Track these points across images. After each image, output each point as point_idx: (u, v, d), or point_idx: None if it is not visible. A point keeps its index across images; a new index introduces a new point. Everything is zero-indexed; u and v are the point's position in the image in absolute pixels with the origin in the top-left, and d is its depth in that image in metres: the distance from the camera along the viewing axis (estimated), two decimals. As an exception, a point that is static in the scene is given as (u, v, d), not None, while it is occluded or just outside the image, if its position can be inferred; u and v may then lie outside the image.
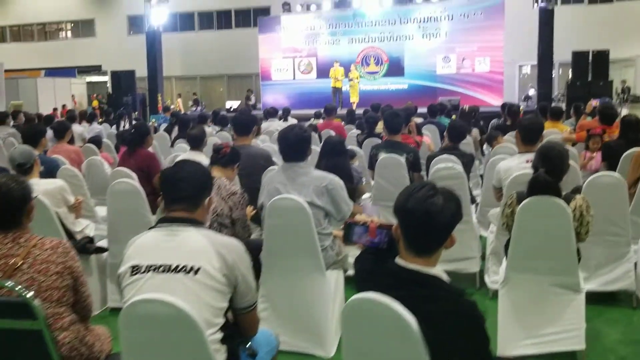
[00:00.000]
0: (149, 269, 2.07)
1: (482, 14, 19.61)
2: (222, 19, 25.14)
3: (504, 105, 7.65)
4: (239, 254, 2.19)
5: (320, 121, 10.11)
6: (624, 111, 16.88)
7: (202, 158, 4.74)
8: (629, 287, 4.12)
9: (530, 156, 4.21)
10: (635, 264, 4.22)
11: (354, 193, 4.54)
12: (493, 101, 19.01)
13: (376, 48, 21.10)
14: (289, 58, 21.92)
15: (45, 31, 27.83)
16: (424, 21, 20.40)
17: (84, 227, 4.34)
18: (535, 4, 17.69)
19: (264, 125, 9.66)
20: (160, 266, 2.06)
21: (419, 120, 9.34)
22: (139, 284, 2.06)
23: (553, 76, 20.29)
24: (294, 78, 21.97)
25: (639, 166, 4.80)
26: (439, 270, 1.88)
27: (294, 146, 3.52)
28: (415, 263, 1.84)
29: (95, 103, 21.33)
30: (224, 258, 2.10)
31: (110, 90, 19.13)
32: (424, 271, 1.83)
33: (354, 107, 17.72)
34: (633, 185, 4.89)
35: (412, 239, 1.84)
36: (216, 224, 3.57)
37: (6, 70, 26.27)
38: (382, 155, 5.31)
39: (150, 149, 6.02)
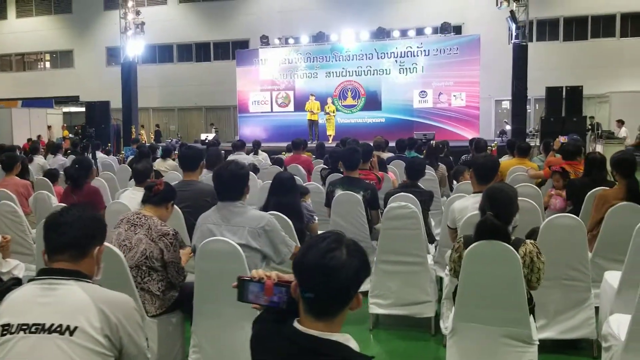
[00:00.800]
0: (20, 328, 1.81)
1: (458, 49, 19.79)
2: (201, 52, 25.11)
3: (471, 141, 7.52)
4: (125, 312, 1.92)
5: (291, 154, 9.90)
6: (598, 148, 16.95)
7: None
8: (589, 335, 3.91)
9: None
10: (597, 310, 4.03)
11: (303, 233, 4.31)
12: (469, 136, 18.96)
13: (353, 82, 21.14)
14: (267, 91, 21.86)
15: (24, 61, 27.58)
16: (400, 56, 20.52)
17: (12, 267, 4.05)
18: (511, 40, 17.83)
19: (230, 158, 9.44)
20: (32, 325, 1.81)
21: (388, 155, 9.19)
22: (7, 346, 1.80)
23: (529, 111, 20.45)
24: (272, 111, 21.88)
25: (601, 207, 4.64)
26: (343, 335, 1.62)
27: (228, 184, 3.30)
28: (314, 328, 1.59)
29: (65, 133, 20.97)
30: (106, 316, 1.85)
31: (84, 121, 18.81)
32: (324, 337, 1.58)
33: (331, 140, 17.70)
34: (596, 226, 4.73)
35: (310, 300, 1.60)
36: (145, 267, 3.32)
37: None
38: (339, 192, 5.11)
39: (103, 182, 5.76)
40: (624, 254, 4.30)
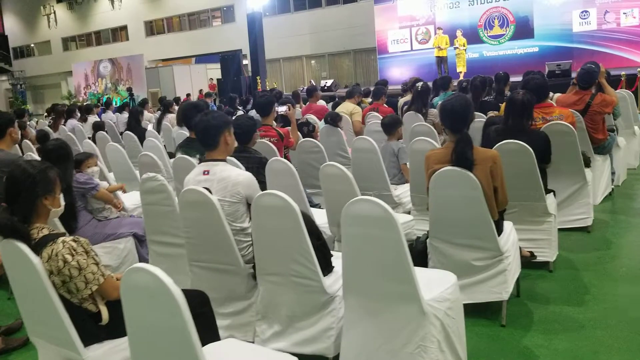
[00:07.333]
0: None
1: (630, -47, 16.23)
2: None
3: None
4: None
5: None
6: None
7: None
8: (325, 352, 2.92)
9: (210, 165, 3.23)
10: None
11: (72, 207, 3.89)
12: (643, 61, 15.76)
13: (500, 8, 18.72)
14: (406, 28, 20.51)
15: (198, 19, 29.59)
16: (556, -31, 17.52)
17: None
18: None
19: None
20: None
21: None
22: None
23: None
24: (412, 49, 20.53)
25: (426, 172, 3.40)
26: None
27: None
28: None
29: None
30: None
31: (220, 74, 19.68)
32: None
33: (462, 77, 16.01)
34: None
35: None
36: None
37: (164, 59, 28.87)
38: (178, 156, 4.55)
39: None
40: (463, 235, 3.25)
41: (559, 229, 4.34)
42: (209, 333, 2.77)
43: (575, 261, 4.17)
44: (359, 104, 7.84)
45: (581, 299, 3.54)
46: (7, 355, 3.53)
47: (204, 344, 2.65)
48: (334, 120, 6.12)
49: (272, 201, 2.81)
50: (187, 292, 2.80)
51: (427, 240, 3.49)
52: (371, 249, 2.54)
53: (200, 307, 2.78)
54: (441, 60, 17.06)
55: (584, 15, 17.31)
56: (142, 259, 4.13)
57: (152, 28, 30.82)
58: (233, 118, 4.13)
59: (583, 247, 4.46)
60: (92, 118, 10.19)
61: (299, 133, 5.63)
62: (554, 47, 17.84)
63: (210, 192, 3.07)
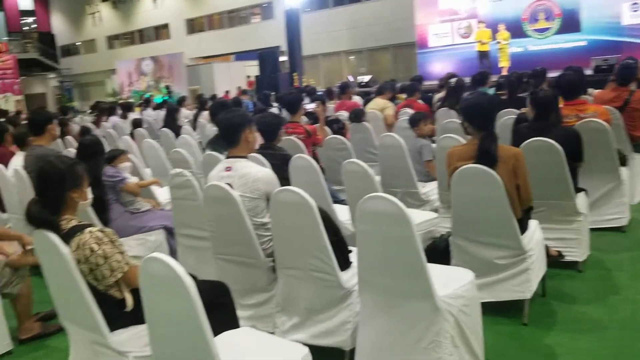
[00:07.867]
0: None
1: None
2: (388, -13, 24.11)
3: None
4: None
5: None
6: None
7: None
8: (342, 345, 2.95)
9: (232, 162, 3.29)
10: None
11: (102, 201, 4.02)
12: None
13: (545, 1, 18.23)
14: (447, 22, 20.23)
15: (238, 17, 29.76)
16: (605, -42, 16.95)
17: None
18: None
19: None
20: None
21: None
22: None
23: None
24: (453, 43, 20.23)
25: (448, 170, 3.39)
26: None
27: None
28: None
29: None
30: None
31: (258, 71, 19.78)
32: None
33: (505, 72, 15.73)
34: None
35: None
36: None
37: (204, 57, 29.24)
38: (207, 152, 4.65)
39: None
40: (486, 233, 3.25)
41: (592, 229, 4.24)
42: (228, 322, 2.82)
43: (607, 261, 4.07)
44: (391, 99, 7.80)
45: (609, 300, 3.46)
46: (45, 339, 3.72)
47: (222, 332, 2.73)
48: (357, 116, 6.14)
49: (290, 197, 2.86)
50: (208, 283, 2.91)
51: (450, 238, 3.47)
52: (384, 246, 2.56)
53: (221, 297, 2.86)
54: (483, 54, 16.79)
55: (635, 8, 16.72)
56: (173, 250, 4.24)
57: (193, 26, 31.30)
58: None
59: (617, 247, 4.35)
60: (133, 115, 10.49)
61: (328, 130, 5.67)
62: (602, 40, 17.26)
63: (232, 187, 3.14)
